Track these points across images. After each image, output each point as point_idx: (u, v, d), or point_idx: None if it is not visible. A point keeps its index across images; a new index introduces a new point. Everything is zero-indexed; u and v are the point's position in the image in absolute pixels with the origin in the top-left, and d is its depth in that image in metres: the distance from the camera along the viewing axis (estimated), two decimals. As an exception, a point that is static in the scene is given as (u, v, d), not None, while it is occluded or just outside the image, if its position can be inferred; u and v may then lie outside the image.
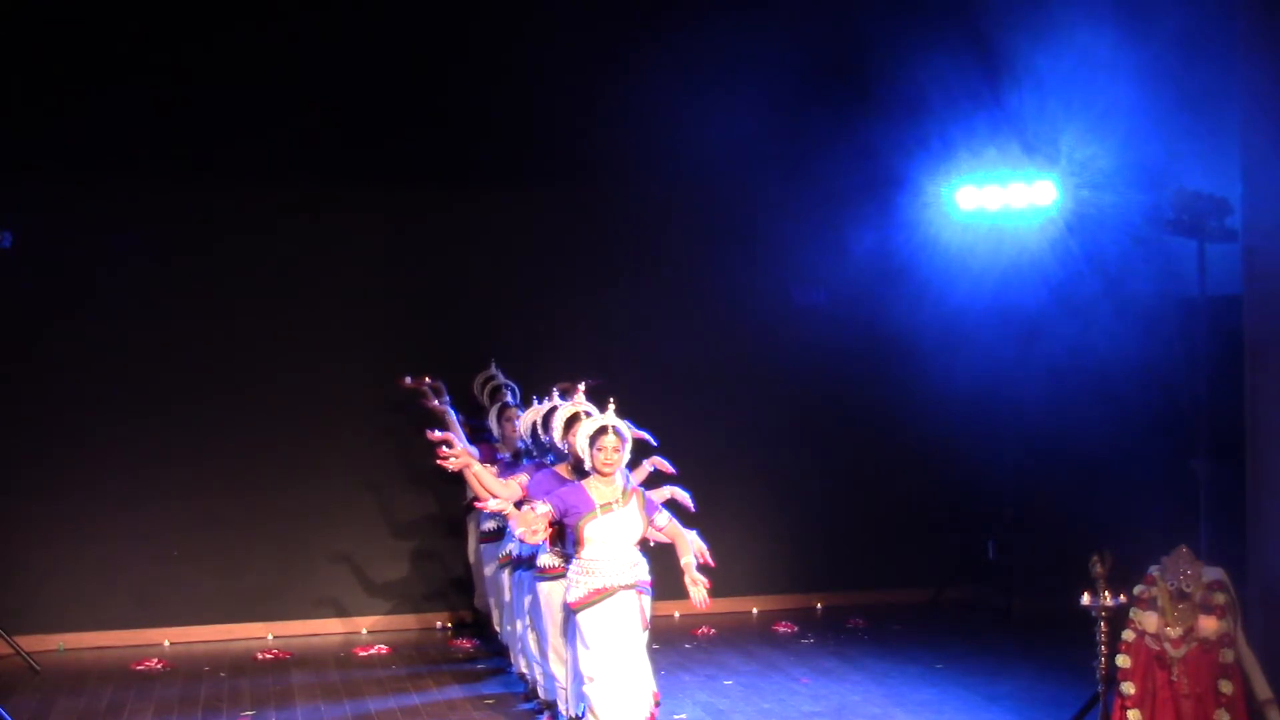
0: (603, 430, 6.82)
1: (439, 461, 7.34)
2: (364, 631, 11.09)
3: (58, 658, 10.33)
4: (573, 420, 7.32)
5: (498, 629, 9.69)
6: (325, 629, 11.09)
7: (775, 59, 10.93)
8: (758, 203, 11.72)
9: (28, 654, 9.98)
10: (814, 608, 11.78)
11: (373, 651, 10.40)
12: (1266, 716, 6.93)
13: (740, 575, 11.43)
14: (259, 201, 10.98)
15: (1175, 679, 6.84)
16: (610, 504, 6.80)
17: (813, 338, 11.68)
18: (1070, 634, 8.74)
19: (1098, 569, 7.02)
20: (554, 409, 7.78)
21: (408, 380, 10.05)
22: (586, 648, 6.77)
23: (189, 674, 9.82)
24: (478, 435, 9.64)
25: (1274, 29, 7.71)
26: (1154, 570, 7.01)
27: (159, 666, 10.02)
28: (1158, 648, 6.90)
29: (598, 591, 6.75)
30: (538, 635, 8.04)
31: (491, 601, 9.82)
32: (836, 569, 11.88)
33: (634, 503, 6.86)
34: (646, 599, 6.92)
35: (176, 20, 10.51)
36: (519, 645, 8.66)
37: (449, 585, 11.31)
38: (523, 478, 7.73)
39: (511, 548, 8.34)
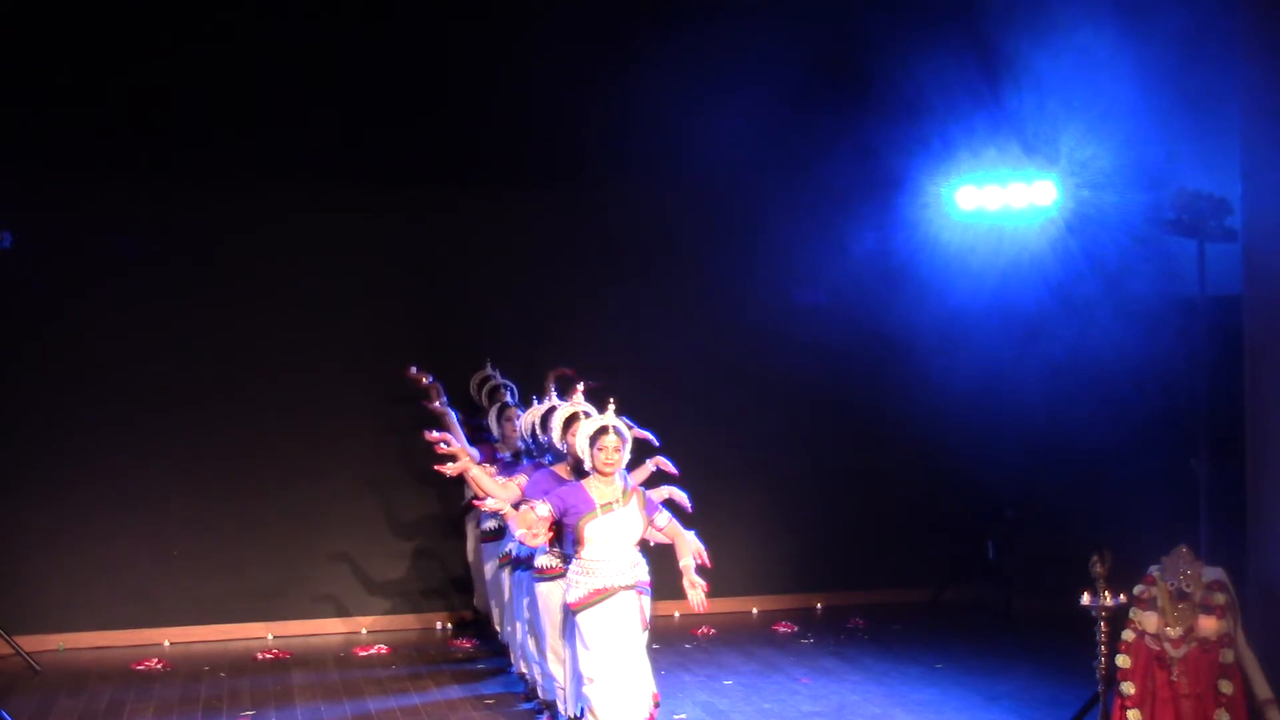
0: (603, 430, 6.82)
1: (437, 467, 7.33)
2: (364, 631, 11.09)
3: (58, 658, 10.32)
4: (571, 420, 7.32)
5: (498, 629, 9.70)
6: (325, 629, 11.09)
7: (776, 59, 10.93)
8: (758, 203, 11.72)
9: (28, 654, 9.98)
10: (814, 608, 11.78)
11: (373, 651, 10.40)
12: (1266, 716, 6.94)
13: (740, 575, 11.43)
14: (259, 201, 10.98)
15: (1175, 679, 6.84)
16: (610, 504, 6.80)
17: (813, 338, 11.68)
18: (1070, 634, 8.74)
19: (1098, 569, 7.02)
20: (552, 409, 7.78)
21: (413, 370, 10.07)
22: (586, 648, 6.77)
23: (189, 674, 9.82)
24: (478, 435, 9.65)
25: (1274, 29, 7.71)
26: (1154, 570, 7.02)
27: (159, 666, 10.02)
28: (1158, 648, 6.90)
29: (598, 592, 6.75)
30: (536, 636, 8.04)
31: (492, 602, 9.82)
32: (836, 569, 11.88)
33: (634, 502, 6.86)
34: (646, 599, 6.92)
35: (177, 20, 10.51)
36: (519, 646, 8.66)
37: (449, 585, 11.31)
38: (521, 479, 7.73)
39: (511, 548, 8.34)
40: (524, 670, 8.72)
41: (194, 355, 10.87)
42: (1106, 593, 6.98)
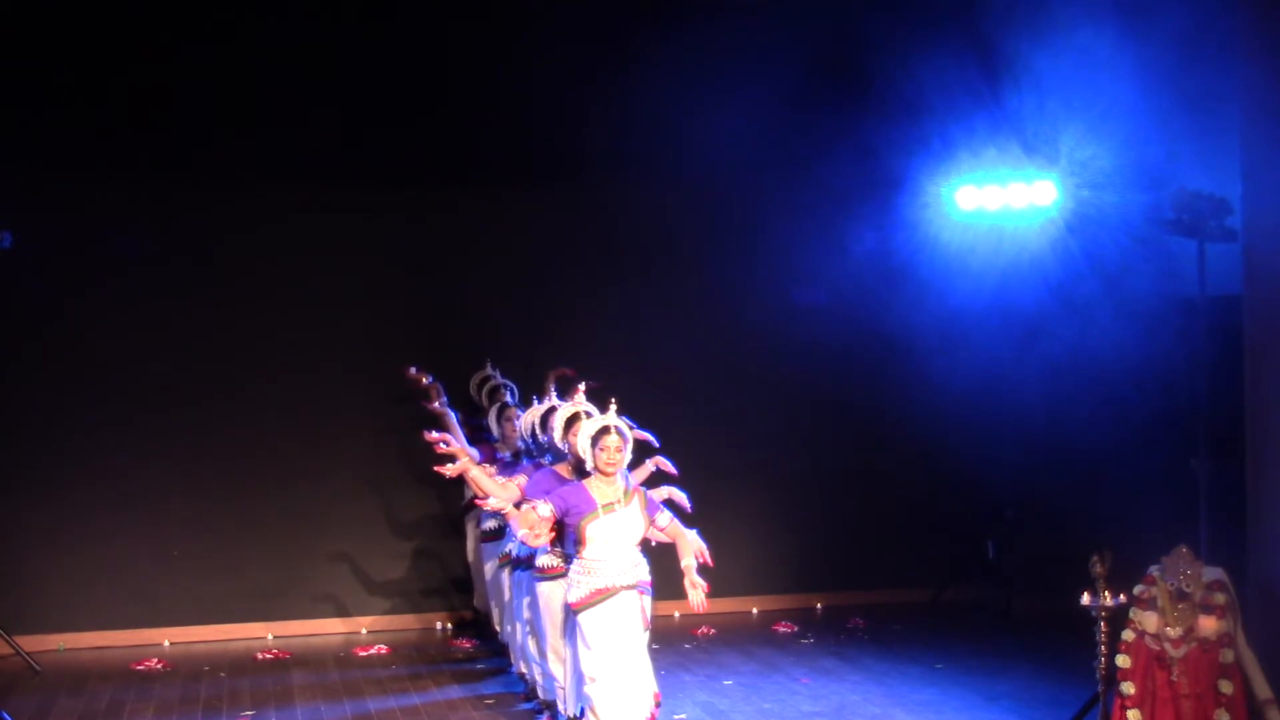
0: (605, 430, 6.82)
1: (436, 468, 7.33)
2: (364, 631, 11.09)
3: (58, 658, 10.32)
4: (573, 420, 7.32)
5: (498, 629, 9.70)
6: (325, 629, 11.09)
7: (776, 59, 10.93)
8: (758, 203, 11.72)
9: (28, 654, 9.98)
10: (814, 608, 11.78)
11: (373, 651, 10.40)
12: (1266, 716, 6.94)
13: (740, 575, 11.43)
14: (259, 201, 10.98)
15: (1175, 679, 6.84)
16: (612, 504, 6.80)
17: (813, 338, 11.68)
18: (1070, 634, 8.75)
19: (1098, 569, 7.02)
20: (553, 409, 7.79)
21: (412, 371, 10.08)
22: (588, 648, 6.77)
23: (189, 674, 9.82)
24: (477, 435, 9.65)
25: (1274, 29, 7.71)
26: (1154, 570, 7.02)
27: (159, 666, 10.02)
28: (1158, 648, 6.90)
29: (599, 592, 6.75)
30: (536, 635, 8.04)
31: (492, 602, 9.82)
32: (836, 569, 11.88)
33: (635, 503, 6.86)
34: (647, 599, 6.93)
35: (177, 19, 10.50)
36: (518, 646, 8.66)
37: (449, 585, 11.31)
38: (521, 479, 7.73)
39: (511, 547, 8.34)
40: (524, 670, 8.71)
41: (194, 355, 10.87)
42: (1106, 593, 6.98)
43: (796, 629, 10.92)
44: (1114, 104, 9.22)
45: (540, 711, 8.32)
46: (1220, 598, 6.85)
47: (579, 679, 6.99)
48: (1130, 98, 9.02)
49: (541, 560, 7.62)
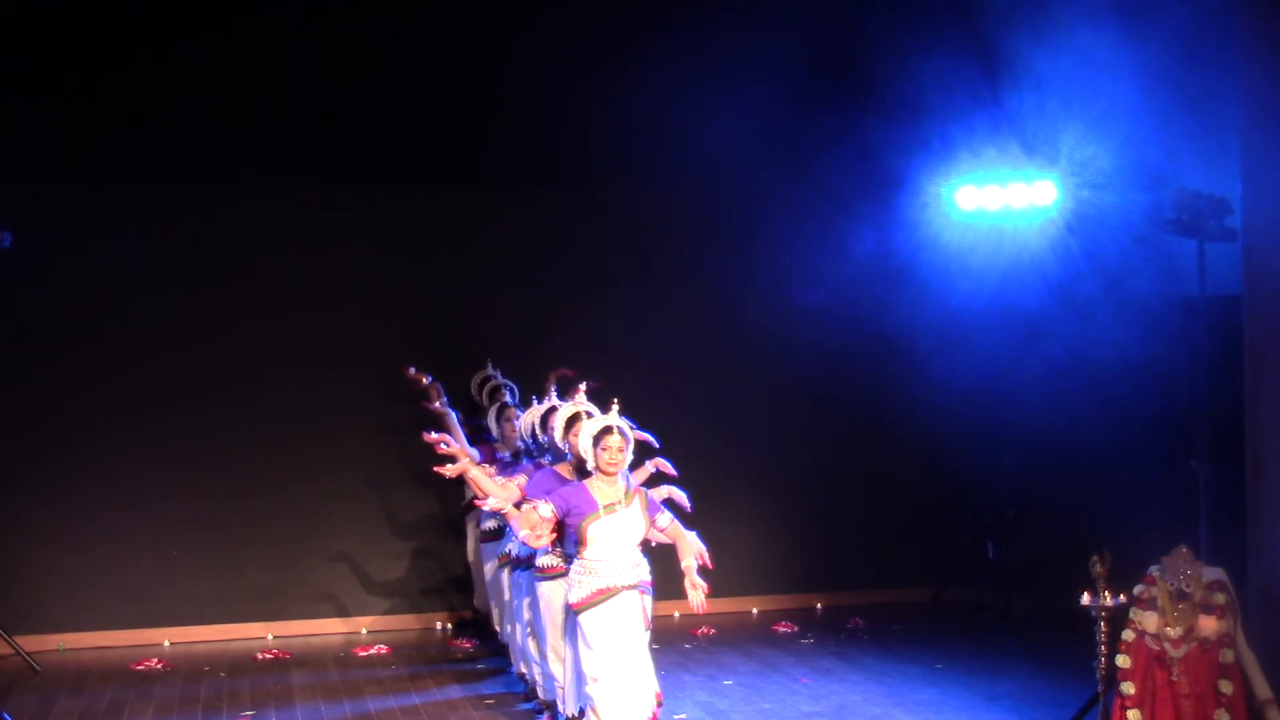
0: (607, 430, 6.82)
1: (436, 468, 7.33)
2: (364, 631, 11.09)
3: (58, 658, 10.33)
4: (573, 420, 7.32)
5: (498, 629, 9.70)
6: (325, 629, 11.09)
7: (776, 59, 10.93)
8: (758, 203, 11.73)
9: (28, 654, 9.98)
10: (814, 608, 11.78)
11: (373, 651, 10.40)
12: (1266, 716, 6.94)
13: (740, 575, 11.44)
14: (258, 201, 10.98)
15: (1175, 679, 6.85)
16: (613, 504, 6.80)
17: (813, 338, 11.68)
18: (1070, 634, 8.75)
19: (1098, 569, 7.02)
20: (553, 409, 7.79)
21: (411, 371, 10.09)
22: (589, 648, 6.77)
23: (189, 674, 9.82)
24: (477, 435, 9.65)
25: (1274, 29, 7.71)
26: (1154, 570, 7.02)
27: (159, 666, 10.02)
28: (1158, 648, 6.91)
29: (600, 592, 6.75)
30: (537, 635, 8.04)
31: (492, 602, 9.83)
32: (836, 569, 11.88)
33: (636, 503, 6.86)
34: (648, 599, 6.93)
35: (177, 19, 10.50)
36: (518, 647, 8.66)
37: (449, 585, 11.31)
38: (521, 479, 7.73)
39: (511, 547, 8.34)
40: (524, 670, 8.72)
41: (194, 355, 10.87)
42: (1106, 593, 6.98)
43: (796, 629, 10.92)
44: (1114, 104, 9.22)
45: (540, 711, 8.32)
46: (1220, 598, 6.85)
47: (580, 679, 6.99)
48: (1130, 98, 9.02)
49: (542, 560, 7.62)
